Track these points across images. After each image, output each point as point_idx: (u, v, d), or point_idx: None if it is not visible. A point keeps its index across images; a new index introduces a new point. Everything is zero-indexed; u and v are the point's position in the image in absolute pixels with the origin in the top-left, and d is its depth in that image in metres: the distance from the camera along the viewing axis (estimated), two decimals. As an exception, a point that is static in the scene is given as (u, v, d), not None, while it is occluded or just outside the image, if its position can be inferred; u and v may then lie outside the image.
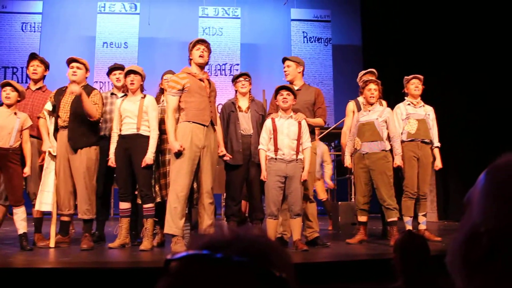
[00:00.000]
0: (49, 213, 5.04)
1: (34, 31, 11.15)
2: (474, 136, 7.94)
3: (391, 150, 5.26)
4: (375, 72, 5.87)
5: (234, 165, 5.26)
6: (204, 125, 4.65)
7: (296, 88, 5.20)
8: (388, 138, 5.28)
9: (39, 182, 5.06)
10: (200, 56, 4.76)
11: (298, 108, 5.09)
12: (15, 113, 4.88)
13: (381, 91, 5.44)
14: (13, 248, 4.82)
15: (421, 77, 5.67)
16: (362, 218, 5.38)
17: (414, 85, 5.62)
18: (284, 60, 5.50)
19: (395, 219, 5.14)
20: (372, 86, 5.30)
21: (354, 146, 5.38)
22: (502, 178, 0.78)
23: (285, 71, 5.41)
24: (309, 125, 5.05)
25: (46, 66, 5.53)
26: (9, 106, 4.87)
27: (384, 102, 5.79)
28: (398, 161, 5.23)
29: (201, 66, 4.82)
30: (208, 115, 4.69)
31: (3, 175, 4.79)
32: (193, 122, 4.65)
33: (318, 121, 5.26)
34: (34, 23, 11.18)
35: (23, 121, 4.89)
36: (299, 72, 5.42)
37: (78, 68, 5.09)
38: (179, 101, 4.69)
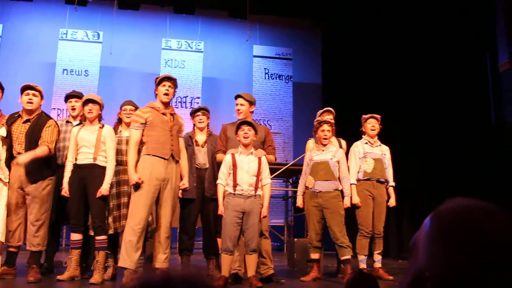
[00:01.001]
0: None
1: (-8, 55, 10.92)
2: (427, 177, 8.14)
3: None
4: (333, 111, 5.97)
5: (188, 199, 5.24)
6: (164, 158, 4.65)
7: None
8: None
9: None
10: (165, 94, 4.83)
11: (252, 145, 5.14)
12: None
13: (334, 132, 5.53)
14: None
15: (378, 116, 5.80)
16: (315, 256, 5.39)
17: (371, 124, 5.75)
18: (237, 97, 5.52)
19: (349, 257, 5.18)
20: (326, 127, 5.39)
21: (305, 184, 5.43)
22: (446, 224, 0.80)
23: (237, 110, 5.43)
24: None
25: (2, 91, 5.39)
26: None
27: (343, 142, 5.88)
28: (347, 202, 5.33)
29: (166, 103, 4.86)
30: (169, 148, 4.70)
31: None
32: (153, 155, 4.68)
33: (271, 158, 5.30)
34: (-8, 46, 10.96)
35: None
36: (251, 112, 5.48)
37: (34, 95, 4.98)
38: (142, 135, 4.73)
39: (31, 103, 4.94)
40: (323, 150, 5.41)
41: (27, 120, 4.91)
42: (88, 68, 11.13)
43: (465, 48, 8.64)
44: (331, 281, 5.16)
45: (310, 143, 5.88)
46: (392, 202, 5.67)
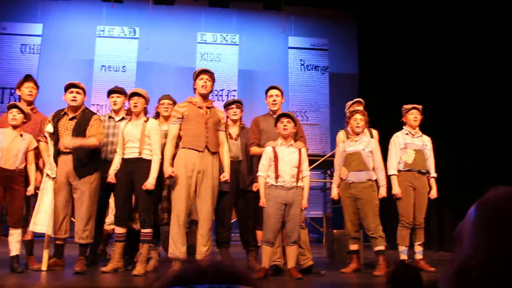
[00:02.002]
0: (41, 235, 5.01)
1: (33, 53, 11.21)
2: (469, 167, 7.96)
3: (377, 180, 5.30)
4: (362, 101, 5.92)
5: (222, 191, 5.29)
6: (198, 151, 4.72)
7: (275, 117, 5.25)
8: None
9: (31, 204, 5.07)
10: (202, 87, 4.91)
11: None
12: (21, 135, 4.90)
13: (367, 121, 5.48)
14: (5, 270, 4.77)
15: (420, 107, 5.70)
16: (354, 247, 5.37)
17: (413, 115, 5.65)
18: (272, 88, 5.52)
19: (382, 248, 5.14)
20: (358, 116, 5.36)
21: (340, 176, 5.41)
22: (491, 212, 0.79)
23: (274, 101, 5.44)
24: None
25: (38, 89, 5.55)
26: (14, 127, 4.89)
27: (374, 132, 5.80)
28: (383, 192, 5.28)
29: (204, 96, 4.92)
30: (203, 140, 4.77)
31: (7, 196, 4.78)
32: (188, 148, 4.79)
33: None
34: (34, 45, 11.25)
35: (29, 142, 4.92)
36: (281, 103, 5.50)
37: (77, 93, 5.12)
38: (180, 129, 4.86)
39: (75, 100, 5.08)
40: (356, 141, 5.37)
41: (73, 117, 5.04)
42: (125, 64, 11.30)
43: (509, 33, 8.38)
44: (371, 272, 5.12)
45: (341, 134, 5.84)
46: (434, 193, 5.58)
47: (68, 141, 4.85)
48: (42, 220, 4.85)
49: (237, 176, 5.41)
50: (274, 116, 5.21)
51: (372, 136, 5.69)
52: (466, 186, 7.54)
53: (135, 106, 5.06)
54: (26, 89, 5.40)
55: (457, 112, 8.38)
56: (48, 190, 4.93)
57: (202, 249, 4.69)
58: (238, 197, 5.45)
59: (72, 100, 5.07)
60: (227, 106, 5.76)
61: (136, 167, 4.94)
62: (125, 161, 5.00)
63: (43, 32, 11.28)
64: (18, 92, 5.51)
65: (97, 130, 5.03)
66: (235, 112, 5.64)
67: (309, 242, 5.28)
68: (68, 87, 5.14)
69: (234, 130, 5.61)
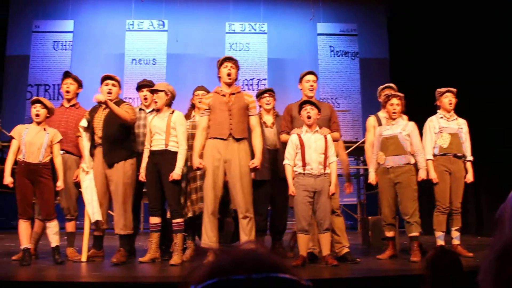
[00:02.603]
0: (81, 228, 5.14)
1: (66, 49, 11.40)
2: (508, 150, 7.78)
3: (415, 164, 5.23)
4: (394, 86, 5.82)
5: (261, 180, 5.27)
6: (222, 139, 4.74)
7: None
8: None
9: (72, 197, 5.20)
10: (227, 74, 4.90)
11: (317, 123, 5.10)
12: (44, 129, 4.99)
13: (404, 105, 5.39)
14: (47, 261, 4.91)
15: (455, 90, 5.58)
16: (390, 233, 5.32)
17: (448, 98, 5.53)
18: (309, 73, 5.46)
19: (417, 234, 5.08)
20: (395, 100, 5.28)
21: (377, 161, 5.35)
22: (533, 196, 0.77)
23: (311, 86, 5.37)
24: None
25: (79, 84, 5.66)
26: (38, 123, 4.99)
27: (405, 117, 5.71)
28: (422, 175, 5.20)
29: (229, 84, 4.93)
30: (227, 128, 4.78)
31: (36, 190, 4.89)
32: (213, 137, 4.83)
33: (336, 135, 5.24)
34: (66, 41, 11.44)
35: (52, 136, 4.99)
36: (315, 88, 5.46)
37: (113, 85, 5.20)
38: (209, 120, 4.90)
39: (111, 92, 5.17)
40: (392, 125, 5.30)
41: (107, 107, 5.12)
42: (155, 56, 11.39)
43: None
44: (407, 258, 5.07)
45: (371, 120, 5.78)
46: (470, 177, 5.46)
47: (101, 95, 4.88)
48: (94, 209, 4.97)
49: (274, 165, 5.38)
50: None
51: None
52: (504, 170, 7.39)
53: (155, 102, 5.12)
54: (64, 85, 5.59)
55: (494, 93, 8.17)
56: (87, 182, 5.04)
57: (243, 237, 4.74)
58: (275, 186, 5.43)
59: (108, 93, 5.16)
60: (259, 95, 5.74)
61: (162, 159, 4.99)
62: (152, 153, 5.06)
63: (74, 28, 11.46)
64: (61, 89, 5.72)
65: (129, 110, 5.08)
66: (268, 100, 5.61)
67: (345, 230, 5.24)
68: (104, 79, 5.24)
69: (268, 118, 5.59)
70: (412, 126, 5.30)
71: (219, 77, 5.01)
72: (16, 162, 4.88)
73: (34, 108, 4.96)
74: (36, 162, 4.87)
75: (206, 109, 4.93)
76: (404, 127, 5.25)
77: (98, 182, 5.04)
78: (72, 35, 11.45)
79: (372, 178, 5.44)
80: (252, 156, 4.86)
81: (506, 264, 0.78)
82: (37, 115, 4.94)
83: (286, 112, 5.35)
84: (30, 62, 11.22)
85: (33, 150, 4.87)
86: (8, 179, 4.81)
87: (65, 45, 11.43)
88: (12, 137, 4.97)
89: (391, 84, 5.87)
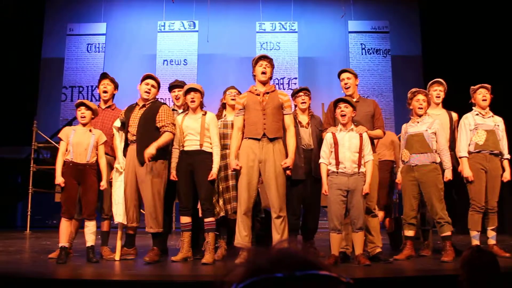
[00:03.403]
0: (116, 227, 5.20)
1: (99, 52, 11.61)
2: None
3: (441, 163, 5.12)
4: (443, 82, 5.69)
5: (296, 180, 5.25)
6: (257, 139, 4.73)
7: (354, 100, 5.16)
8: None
9: (107, 197, 5.29)
10: (262, 73, 4.90)
11: (359, 120, 5.03)
12: (90, 130, 5.12)
13: (429, 102, 5.31)
14: (81, 260, 4.99)
15: (489, 86, 5.45)
16: (409, 233, 5.22)
17: (482, 94, 5.41)
18: (342, 72, 5.41)
19: (449, 233, 4.97)
20: (421, 97, 5.19)
21: (402, 158, 5.26)
22: None
23: (346, 84, 5.32)
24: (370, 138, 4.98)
25: (116, 86, 5.75)
26: (84, 124, 5.11)
27: (454, 114, 5.60)
28: (448, 175, 5.07)
29: (264, 82, 4.92)
30: (261, 128, 4.76)
31: (80, 189, 5.00)
32: (248, 138, 4.83)
33: (378, 132, 5.17)
34: (99, 43, 11.65)
35: (98, 137, 5.13)
36: (356, 85, 5.37)
37: (153, 86, 5.25)
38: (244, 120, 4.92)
39: (149, 93, 5.22)
40: (418, 122, 5.21)
41: (143, 106, 5.18)
42: (186, 57, 11.50)
43: None
44: (439, 258, 4.97)
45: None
46: (507, 175, 5.32)
47: (147, 152, 4.91)
48: (118, 210, 5.04)
49: (310, 164, 5.36)
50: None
51: (451, 118, 5.52)
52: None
53: (192, 101, 5.13)
54: (102, 86, 5.71)
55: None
56: (119, 183, 5.11)
57: (276, 236, 4.72)
58: (308, 185, 5.39)
59: (146, 92, 5.20)
60: (294, 94, 5.70)
61: (197, 159, 5.01)
62: (186, 153, 5.08)
63: (107, 30, 11.66)
64: (98, 90, 5.82)
65: (168, 120, 5.11)
66: (303, 99, 5.56)
67: (380, 230, 5.16)
68: (145, 78, 5.29)
69: (304, 118, 5.53)
70: (438, 124, 5.18)
71: (254, 76, 5.00)
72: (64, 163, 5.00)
73: (79, 111, 5.10)
74: (83, 162, 5.01)
75: (241, 109, 4.94)
76: (430, 125, 5.15)
77: (129, 180, 5.09)
78: (105, 37, 11.66)
79: (399, 177, 5.38)
80: (287, 155, 4.84)
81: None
82: (83, 117, 5.08)
83: (328, 110, 5.31)
84: (65, 64, 11.46)
85: (81, 151, 5.00)
86: (59, 179, 4.94)
87: (98, 48, 11.64)
88: (60, 139, 5.12)
89: (440, 80, 5.71)
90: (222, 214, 5.17)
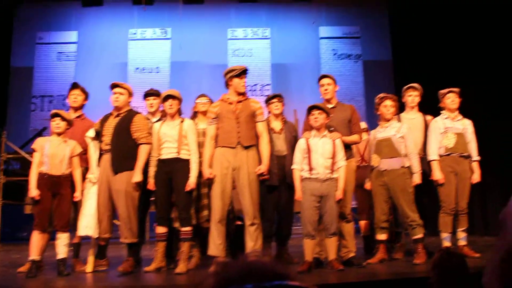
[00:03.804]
0: (87, 238, 5.12)
1: (70, 60, 11.47)
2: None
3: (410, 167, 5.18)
4: (418, 87, 5.75)
5: (269, 186, 5.26)
6: (231, 147, 4.74)
7: (331, 106, 5.23)
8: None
9: (78, 208, 5.20)
10: (243, 86, 4.95)
11: (335, 125, 5.08)
12: (65, 141, 5.05)
13: (398, 107, 5.38)
14: (52, 273, 4.90)
15: (457, 90, 5.56)
16: (382, 237, 5.26)
17: (451, 99, 5.51)
18: (323, 77, 5.47)
19: (421, 236, 5.03)
20: (388, 102, 5.27)
21: (371, 163, 5.31)
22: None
23: (325, 90, 5.36)
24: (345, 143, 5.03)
25: (86, 96, 5.69)
26: (59, 135, 5.03)
27: (429, 117, 5.68)
28: (417, 179, 5.14)
29: (242, 94, 4.96)
30: (235, 136, 4.77)
31: (54, 201, 4.92)
32: (221, 146, 4.82)
33: (355, 138, 5.22)
34: (69, 52, 11.51)
35: (73, 148, 5.06)
36: (335, 91, 5.43)
37: (120, 93, 5.20)
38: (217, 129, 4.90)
39: (118, 100, 5.17)
40: (386, 127, 5.28)
41: (118, 115, 5.13)
42: (159, 65, 11.44)
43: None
44: (411, 261, 5.02)
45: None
46: (476, 177, 5.41)
47: (135, 181, 4.92)
48: (87, 223, 4.96)
49: (283, 171, 5.37)
50: (328, 105, 5.19)
51: (426, 122, 5.59)
52: (511, 170, 7.33)
53: (170, 108, 5.11)
54: (72, 96, 5.65)
55: (499, 93, 8.13)
56: (91, 194, 5.04)
57: (250, 244, 4.71)
58: (281, 191, 5.42)
59: (115, 100, 5.17)
60: (268, 101, 5.73)
61: (175, 167, 4.98)
62: (163, 162, 5.04)
63: (78, 39, 11.53)
64: (67, 100, 5.74)
65: (143, 130, 5.06)
66: (276, 106, 5.60)
67: (354, 235, 5.19)
68: (112, 87, 5.25)
69: (277, 124, 5.56)
70: (406, 128, 5.26)
71: (229, 85, 4.97)
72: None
73: (54, 121, 5.04)
74: (58, 174, 4.94)
75: (213, 118, 4.94)
76: (398, 129, 5.22)
77: (102, 190, 5.03)
78: (76, 45, 11.52)
79: (367, 183, 5.43)
80: (260, 162, 4.85)
81: (510, 267, 0.75)
82: (57, 127, 5.02)
83: (306, 115, 5.34)
84: (34, 73, 11.29)
85: (56, 163, 4.94)
86: (34, 191, 4.85)
87: (69, 56, 11.50)
88: (34, 150, 5.03)
89: (414, 85, 5.78)
90: (193, 222, 5.14)
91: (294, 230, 5.82)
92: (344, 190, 4.82)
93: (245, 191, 4.73)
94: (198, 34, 11.43)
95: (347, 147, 5.14)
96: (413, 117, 5.65)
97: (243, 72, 4.97)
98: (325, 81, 5.39)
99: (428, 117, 5.73)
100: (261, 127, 4.96)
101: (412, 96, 5.70)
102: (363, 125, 6.26)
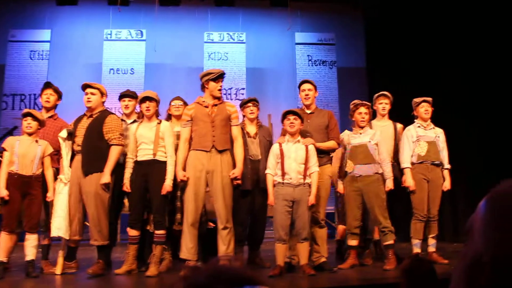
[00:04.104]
0: (57, 239, 5.05)
1: (42, 59, 11.28)
2: (484, 158, 7.89)
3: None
4: (388, 95, 5.84)
5: (242, 190, 5.26)
6: (205, 151, 4.73)
7: (309, 112, 5.27)
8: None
9: (48, 209, 5.12)
10: (219, 90, 4.93)
11: (312, 131, 5.11)
12: (36, 141, 4.97)
13: (371, 114, 5.45)
14: (20, 275, 4.81)
15: (430, 99, 5.67)
16: (353, 242, 5.31)
17: (424, 108, 5.63)
18: (304, 82, 5.50)
19: (392, 242, 5.11)
20: (363, 109, 5.33)
21: (345, 169, 5.37)
22: (501, 206, 0.77)
23: (306, 95, 5.41)
24: (319, 149, 5.06)
25: (59, 96, 5.61)
26: (30, 134, 4.95)
27: (399, 125, 5.78)
28: (390, 185, 5.22)
29: (218, 97, 4.94)
30: (210, 140, 4.77)
31: (25, 201, 4.83)
32: (196, 149, 4.81)
33: (331, 144, 5.26)
34: (42, 51, 11.31)
35: (44, 148, 4.98)
36: (315, 97, 5.47)
37: (92, 94, 5.15)
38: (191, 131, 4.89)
39: (90, 101, 5.12)
40: (360, 134, 5.34)
41: (91, 116, 5.08)
42: (133, 66, 11.33)
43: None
44: (381, 267, 5.08)
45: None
46: (447, 185, 5.53)
47: (103, 182, 4.86)
48: (58, 224, 4.89)
49: (257, 175, 5.38)
50: (307, 110, 5.22)
51: (396, 130, 5.67)
52: (480, 178, 7.47)
53: (147, 110, 5.08)
54: (44, 96, 5.55)
55: (470, 102, 8.29)
56: (62, 195, 4.97)
57: (222, 248, 4.71)
58: (256, 196, 5.42)
59: (87, 101, 5.11)
60: (243, 105, 5.74)
61: (151, 169, 4.95)
62: (139, 164, 5.01)
63: (52, 37, 11.34)
64: (40, 100, 5.66)
65: (116, 131, 5.01)
66: (251, 110, 5.61)
67: (326, 240, 5.23)
68: (83, 88, 5.19)
69: (252, 129, 5.56)
70: (379, 135, 5.33)
71: (205, 88, 4.97)
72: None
73: (25, 121, 4.98)
74: (29, 174, 4.87)
75: (188, 121, 4.92)
76: (372, 136, 5.29)
77: (73, 191, 4.97)
78: (49, 44, 11.33)
79: (340, 187, 5.48)
80: (234, 166, 4.85)
81: (476, 274, 0.78)
82: (29, 127, 4.94)
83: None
84: (6, 71, 11.06)
85: (27, 163, 4.86)
86: (3, 191, 4.76)
87: (41, 55, 11.30)
88: (4, 149, 4.94)
89: (385, 93, 5.86)
90: (165, 225, 5.11)
91: (267, 234, 5.84)
92: (318, 196, 4.85)
93: (218, 194, 4.73)
94: (174, 36, 11.37)
95: (325, 153, 5.18)
96: (384, 125, 5.73)
97: (219, 76, 4.97)
98: (306, 86, 5.44)
99: (399, 125, 5.83)
100: (236, 131, 4.97)
101: (383, 104, 5.79)
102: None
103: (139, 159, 5.02)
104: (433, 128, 5.63)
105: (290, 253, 5.00)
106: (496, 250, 0.74)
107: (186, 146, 4.90)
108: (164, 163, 4.97)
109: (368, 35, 11.46)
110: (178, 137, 5.17)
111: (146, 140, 5.01)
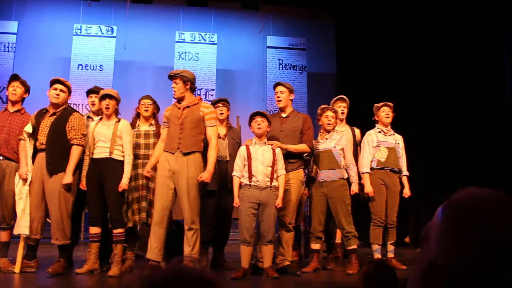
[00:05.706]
0: (17, 237, 4.94)
1: (8, 51, 11.02)
2: (444, 165, 8.06)
3: (348, 178, 5.31)
4: (346, 99, 5.93)
5: (209, 190, 5.24)
6: (171, 153, 4.69)
7: (284, 115, 5.27)
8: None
9: (8, 205, 4.99)
10: (173, 91, 4.96)
11: (286, 135, 5.12)
12: None
13: (337, 119, 5.51)
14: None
15: (391, 104, 5.76)
16: (316, 246, 5.36)
17: (385, 112, 5.71)
18: (277, 85, 5.47)
19: (355, 247, 5.18)
20: (329, 113, 5.37)
21: (311, 174, 5.41)
22: (456, 214, 0.80)
23: (278, 97, 5.38)
24: (291, 152, 5.08)
25: (26, 89, 5.43)
26: None
27: (357, 130, 5.87)
28: (355, 189, 5.28)
29: (179, 99, 4.95)
30: (176, 142, 4.73)
31: None
32: (165, 150, 4.81)
33: (302, 147, 5.22)
34: (8, 43, 11.05)
35: None
36: (290, 100, 5.44)
37: (61, 91, 5.04)
38: None
39: (58, 97, 5.01)
40: (326, 139, 5.37)
41: (54, 114, 4.98)
42: (102, 63, 11.17)
43: (481, 33, 8.52)
44: (344, 271, 5.14)
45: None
46: (407, 191, 5.63)
47: (65, 182, 4.78)
48: (21, 221, 4.78)
49: (224, 176, 5.36)
50: (281, 113, 5.22)
51: (354, 135, 5.73)
52: (442, 184, 7.63)
53: (107, 108, 5.02)
54: (11, 88, 5.34)
55: (431, 110, 8.47)
56: (25, 191, 4.86)
57: (187, 249, 4.67)
58: (222, 197, 5.40)
59: (55, 97, 5.00)
60: (213, 105, 5.68)
61: (106, 167, 4.90)
62: (94, 161, 4.95)
63: (18, 30, 11.10)
64: (6, 93, 5.46)
65: (78, 130, 4.92)
66: (221, 111, 5.57)
67: (292, 244, 5.24)
68: (53, 82, 5.07)
69: (221, 130, 5.48)
70: (345, 140, 5.39)
71: (190, 89, 4.97)
72: None
73: None
74: None
75: (165, 122, 4.95)
76: (338, 141, 5.34)
77: (35, 189, 4.86)
78: (15, 36, 11.08)
79: (305, 191, 5.53)
80: (205, 167, 4.77)
81: (432, 279, 0.79)
82: None
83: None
84: (-30, 63, 10.78)
85: None
86: None
87: (7, 47, 11.04)
88: None
89: (343, 96, 5.94)
90: (130, 224, 5.07)
91: (233, 236, 5.83)
92: (287, 200, 4.88)
93: (183, 196, 4.70)
94: (145, 34, 11.27)
95: (298, 157, 5.18)
96: (342, 130, 5.78)
97: (169, 77, 4.94)
98: (278, 88, 5.40)
99: (357, 130, 5.91)
100: (209, 132, 4.84)
101: (342, 107, 5.85)
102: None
103: (95, 156, 4.96)
104: (393, 134, 5.72)
105: (259, 255, 4.99)
106: (451, 255, 0.76)
107: (161, 146, 4.88)
108: (120, 162, 4.93)
109: (339, 41, 11.58)
110: (145, 136, 5.16)
111: (103, 138, 4.96)
